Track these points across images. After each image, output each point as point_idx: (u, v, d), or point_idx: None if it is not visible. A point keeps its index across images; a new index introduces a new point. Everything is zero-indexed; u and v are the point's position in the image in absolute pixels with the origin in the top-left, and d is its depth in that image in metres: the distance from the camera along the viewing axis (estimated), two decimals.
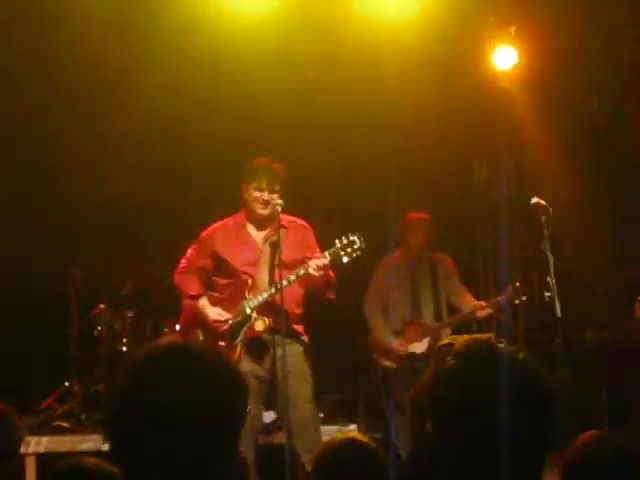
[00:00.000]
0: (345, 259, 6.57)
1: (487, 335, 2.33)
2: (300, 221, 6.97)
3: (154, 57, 8.88)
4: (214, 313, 6.76)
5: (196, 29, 8.81)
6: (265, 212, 6.80)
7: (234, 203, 7.12)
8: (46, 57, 8.96)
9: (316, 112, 9.47)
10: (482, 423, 2.13)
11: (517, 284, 8.16)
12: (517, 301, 8.18)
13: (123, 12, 8.79)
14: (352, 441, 3.63)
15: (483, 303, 8.32)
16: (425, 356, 8.18)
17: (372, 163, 9.94)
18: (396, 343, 8.23)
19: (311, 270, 6.48)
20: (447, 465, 2.22)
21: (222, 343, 6.62)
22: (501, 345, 2.26)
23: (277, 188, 6.76)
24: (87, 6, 8.58)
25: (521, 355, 2.26)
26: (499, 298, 8.32)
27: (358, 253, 6.59)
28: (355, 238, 6.57)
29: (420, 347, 8.26)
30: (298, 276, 6.55)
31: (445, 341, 2.38)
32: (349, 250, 6.55)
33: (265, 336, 6.71)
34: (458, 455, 2.20)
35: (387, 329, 8.34)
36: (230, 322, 6.72)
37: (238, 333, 6.69)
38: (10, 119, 9.17)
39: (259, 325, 6.68)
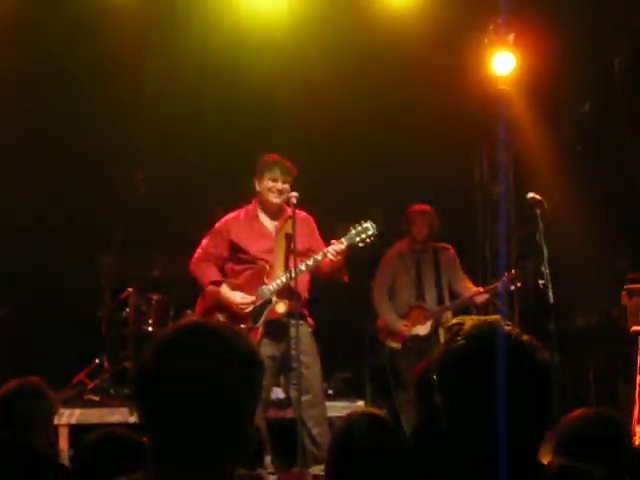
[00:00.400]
0: (360, 244, 6.72)
1: (493, 317, 2.37)
2: (303, 213, 7.06)
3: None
4: (238, 297, 6.82)
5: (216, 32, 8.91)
6: (279, 200, 6.93)
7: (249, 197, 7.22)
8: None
9: (325, 111, 9.51)
10: (488, 398, 2.17)
11: (512, 272, 8.24)
12: (512, 287, 8.26)
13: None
14: (371, 415, 3.58)
15: (481, 289, 8.39)
16: (428, 338, 8.25)
17: (378, 159, 9.98)
18: (401, 325, 8.28)
19: (330, 255, 6.62)
20: (454, 436, 2.27)
21: (243, 326, 6.69)
22: (507, 327, 2.31)
23: (289, 179, 6.89)
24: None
25: (525, 337, 2.31)
26: (496, 284, 8.39)
27: (372, 238, 6.76)
28: (368, 225, 6.74)
29: (423, 329, 8.31)
30: (316, 261, 6.70)
31: (454, 321, 2.40)
32: (363, 236, 6.71)
33: (282, 318, 6.78)
34: (465, 427, 2.25)
35: (393, 313, 8.40)
36: (255, 304, 6.79)
37: (260, 315, 6.77)
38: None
39: (281, 307, 6.78)
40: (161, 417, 2.02)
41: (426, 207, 8.46)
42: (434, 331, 8.28)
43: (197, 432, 1.99)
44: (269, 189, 6.89)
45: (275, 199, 6.91)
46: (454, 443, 2.28)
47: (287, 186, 6.87)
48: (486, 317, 2.37)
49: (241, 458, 2.09)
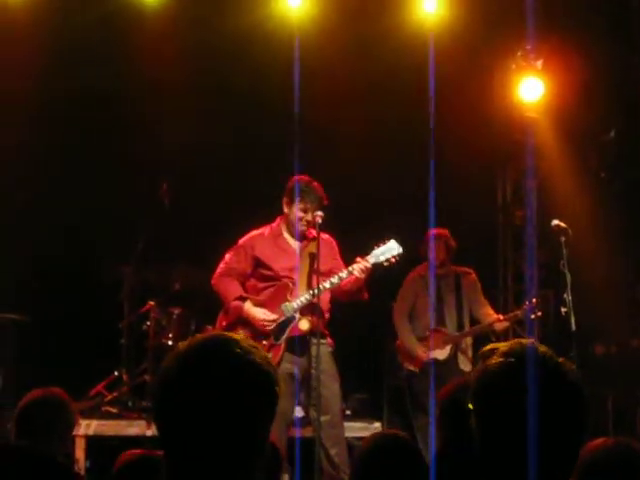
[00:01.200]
0: (385, 264, 6.77)
1: (529, 339, 2.37)
2: (325, 235, 7.05)
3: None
4: (261, 313, 6.84)
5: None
6: (307, 231, 6.93)
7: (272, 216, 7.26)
8: None
9: (350, 129, 9.53)
10: (525, 419, 2.15)
11: (534, 300, 8.21)
12: (533, 316, 8.23)
13: None
14: (394, 436, 3.59)
15: (502, 317, 8.37)
16: (446, 362, 8.24)
17: (401, 181, 9.98)
18: (420, 349, 8.28)
19: (356, 272, 6.65)
20: (489, 458, 2.27)
21: (265, 342, 6.70)
22: (542, 349, 2.30)
23: (319, 208, 6.85)
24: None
25: (560, 359, 2.30)
26: (517, 312, 8.38)
27: (397, 258, 6.80)
28: (393, 244, 6.78)
29: (442, 354, 8.30)
30: (341, 279, 6.72)
31: (488, 347, 2.40)
32: (388, 255, 6.77)
33: (304, 335, 6.80)
34: (502, 448, 2.23)
35: (412, 336, 8.40)
36: (277, 321, 6.81)
37: (282, 332, 6.78)
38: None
39: (304, 324, 6.79)
40: (178, 428, 2.03)
41: (441, 231, 8.46)
42: (453, 356, 8.28)
43: (213, 444, 2.01)
44: (298, 219, 6.89)
45: (303, 228, 6.94)
46: (486, 465, 2.27)
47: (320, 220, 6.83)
48: (520, 339, 2.37)
49: (256, 470, 2.10)
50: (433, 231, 8.47)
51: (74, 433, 7.52)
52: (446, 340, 8.31)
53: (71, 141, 9.61)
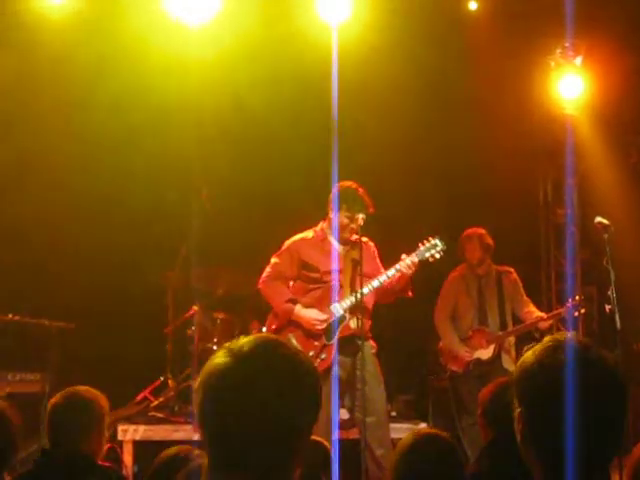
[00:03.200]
0: (430, 259, 6.85)
1: (572, 333, 2.36)
2: (366, 239, 7.04)
3: None
4: (314, 313, 6.87)
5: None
6: (351, 237, 6.94)
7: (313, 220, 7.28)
8: None
9: (392, 131, 9.55)
10: (569, 409, 2.14)
11: (577, 298, 8.17)
12: (576, 314, 8.20)
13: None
14: (433, 434, 3.60)
15: (545, 315, 8.33)
16: (490, 362, 8.22)
17: (443, 183, 9.98)
18: (463, 350, 8.27)
19: (403, 269, 6.71)
20: (530, 448, 2.25)
21: (317, 343, 6.74)
22: (582, 339, 2.30)
23: (365, 215, 6.88)
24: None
25: (604, 352, 2.28)
26: (560, 310, 8.34)
27: (441, 254, 6.89)
28: (437, 241, 6.87)
29: (485, 353, 8.28)
30: (388, 277, 6.78)
31: (531, 346, 2.39)
32: (433, 252, 6.83)
33: (349, 337, 6.81)
34: (542, 438, 2.22)
35: (455, 336, 8.39)
36: (329, 322, 6.83)
37: (334, 332, 6.80)
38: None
39: (354, 323, 6.81)
40: (221, 423, 2.04)
41: (475, 230, 8.46)
42: (497, 355, 8.25)
43: (254, 442, 2.02)
44: (345, 226, 6.92)
45: (348, 236, 6.97)
46: (530, 453, 2.25)
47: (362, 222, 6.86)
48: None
49: (298, 469, 2.11)
50: (467, 231, 8.47)
51: (121, 438, 7.71)
52: (489, 340, 8.28)
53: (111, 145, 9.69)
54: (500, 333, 8.31)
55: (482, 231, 8.45)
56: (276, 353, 2.11)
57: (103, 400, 4.36)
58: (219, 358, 2.09)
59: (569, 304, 8.14)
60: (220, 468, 2.06)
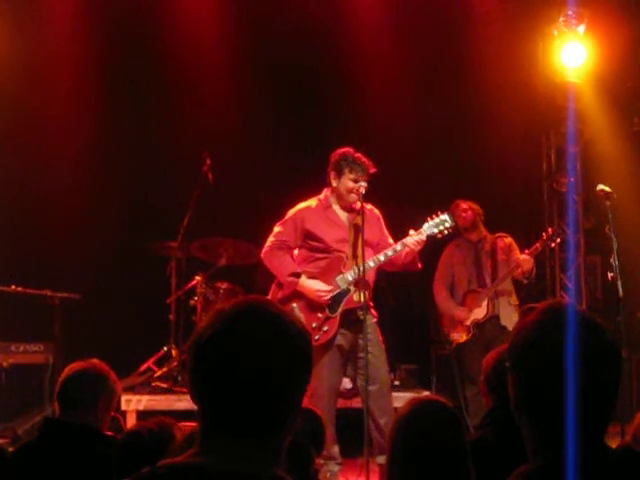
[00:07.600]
0: (439, 235, 6.85)
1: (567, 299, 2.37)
2: (369, 206, 7.00)
3: None
4: (317, 285, 6.80)
5: None
6: (355, 204, 6.91)
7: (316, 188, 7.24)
8: None
9: (398, 105, 9.52)
10: (560, 371, 2.14)
11: (550, 229, 8.25)
12: (552, 245, 8.47)
13: None
14: (433, 401, 3.48)
15: (525, 252, 8.26)
16: (488, 319, 8.25)
17: (448, 150, 9.97)
18: (458, 309, 8.33)
19: (411, 245, 6.68)
20: (523, 410, 2.26)
21: (320, 315, 6.73)
22: (580, 307, 2.29)
23: (367, 179, 6.81)
24: None
25: (598, 318, 2.29)
26: (537, 245, 8.25)
27: (450, 230, 6.89)
28: (446, 216, 6.84)
29: (481, 312, 8.30)
30: (395, 252, 6.75)
31: (527, 306, 2.39)
32: (441, 227, 6.80)
33: (351, 308, 6.79)
34: (535, 401, 2.23)
35: (451, 302, 8.47)
36: (332, 293, 6.79)
37: (338, 304, 6.77)
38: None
39: (357, 297, 6.78)
40: (211, 386, 2.04)
41: (459, 200, 8.50)
42: (493, 309, 8.25)
43: (245, 403, 2.02)
44: (350, 190, 6.82)
45: (353, 200, 6.88)
46: (522, 417, 2.26)
47: (364, 191, 6.78)
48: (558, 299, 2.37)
49: (289, 431, 2.10)
50: (455, 201, 8.51)
51: (125, 408, 7.73)
52: (480, 297, 8.31)
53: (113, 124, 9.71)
54: (488, 287, 8.32)
55: (465, 201, 8.50)
56: (265, 315, 2.10)
57: (113, 375, 4.38)
58: (208, 322, 2.10)
59: (544, 236, 8.17)
60: (211, 435, 2.06)
